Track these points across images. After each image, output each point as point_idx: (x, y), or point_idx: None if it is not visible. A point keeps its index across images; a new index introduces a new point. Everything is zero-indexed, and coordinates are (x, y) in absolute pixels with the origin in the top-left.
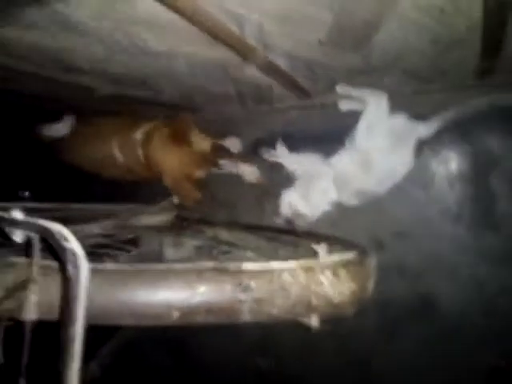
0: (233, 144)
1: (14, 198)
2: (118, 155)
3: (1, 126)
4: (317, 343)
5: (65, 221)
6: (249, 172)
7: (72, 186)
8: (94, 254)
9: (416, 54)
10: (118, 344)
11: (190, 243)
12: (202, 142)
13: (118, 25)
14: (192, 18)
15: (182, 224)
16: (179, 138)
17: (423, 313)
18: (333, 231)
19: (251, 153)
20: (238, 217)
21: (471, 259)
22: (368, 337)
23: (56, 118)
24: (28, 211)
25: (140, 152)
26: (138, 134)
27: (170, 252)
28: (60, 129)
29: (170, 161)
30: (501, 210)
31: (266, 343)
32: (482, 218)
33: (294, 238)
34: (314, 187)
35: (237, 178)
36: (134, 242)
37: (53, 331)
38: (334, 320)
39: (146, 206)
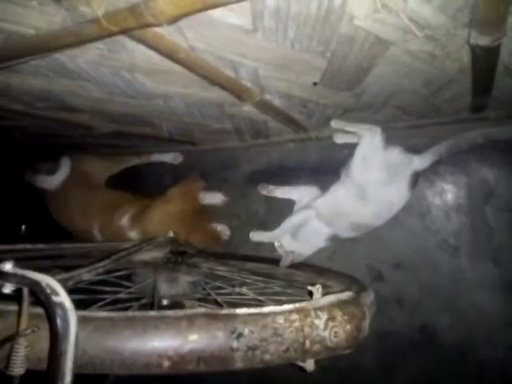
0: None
1: (11, 232)
2: (98, 235)
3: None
4: (315, 379)
5: (61, 259)
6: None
7: None
8: (86, 290)
9: (409, 94)
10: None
11: (184, 279)
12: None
13: (116, 71)
14: (189, 65)
15: (177, 259)
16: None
17: (423, 344)
18: (330, 263)
19: (248, 184)
20: (235, 249)
21: (470, 290)
22: (367, 370)
23: (53, 161)
24: (21, 253)
25: (132, 234)
26: (124, 222)
27: (164, 288)
28: (49, 182)
29: (176, 223)
30: (498, 241)
31: (262, 380)
32: (479, 249)
33: (290, 270)
34: (305, 229)
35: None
36: (127, 278)
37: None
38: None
39: (141, 242)
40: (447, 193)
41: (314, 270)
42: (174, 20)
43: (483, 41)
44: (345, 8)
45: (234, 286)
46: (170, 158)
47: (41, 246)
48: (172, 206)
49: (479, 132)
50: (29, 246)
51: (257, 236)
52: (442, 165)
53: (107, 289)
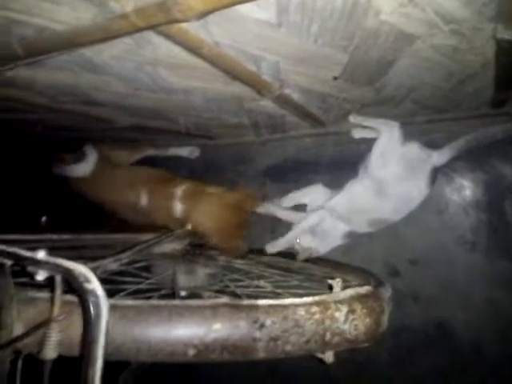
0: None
1: (31, 224)
2: (144, 206)
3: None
4: (332, 371)
5: (84, 249)
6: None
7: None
8: (108, 281)
9: (429, 88)
10: (137, 370)
11: (203, 271)
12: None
13: (140, 65)
14: (212, 60)
15: (196, 251)
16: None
17: (438, 340)
18: (347, 258)
19: (265, 179)
20: (252, 243)
21: (486, 286)
22: (383, 364)
23: (76, 151)
24: (47, 243)
25: (178, 207)
26: (178, 191)
27: (182, 279)
28: (82, 168)
29: (220, 225)
30: None
31: (280, 371)
32: (496, 245)
33: (306, 265)
34: (321, 227)
35: None
36: (147, 269)
37: (72, 366)
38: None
39: (161, 235)
40: (465, 189)
41: (330, 264)
42: (201, 16)
43: (509, 34)
44: (371, 2)
45: (251, 279)
46: (187, 151)
47: (66, 236)
48: (228, 210)
49: (499, 127)
50: (55, 237)
51: (272, 247)
52: (460, 160)
53: (128, 279)
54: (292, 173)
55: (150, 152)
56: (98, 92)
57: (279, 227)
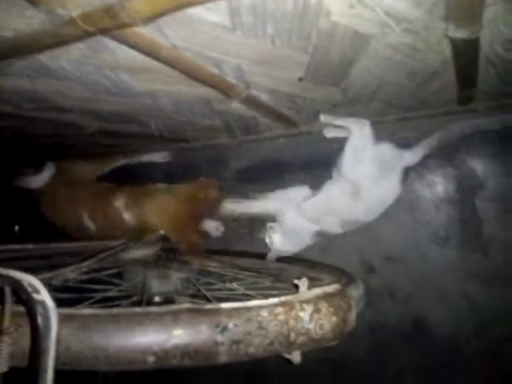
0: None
1: (3, 234)
2: (88, 223)
3: None
4: (308, 370)
5: (52, 258)
6: (212, 227)
7: None
8: (77, 289)
9: (394, 87)
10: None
11: (176, 276)
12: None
13: (99, 69)
14: (171, 63)
15: (168, 256)
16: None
17: (415, 336)
18: (323, 257)
19: (240, 181)
20: (229, 246)
21: (461, 281)
22: (361, 362)
23: (38, 165)
24: (9, 254)
25: (126, 216)
26: (119, 202)
27: (155, 285)
28: (36, 181)
29: (172, 220)
30: (487, 232)
31: (255, 372)
32: (469, 240)
33: (282, 265)
34: (289, 226)
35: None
36: (118, 276)
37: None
38: (325, 347)
39: (132, 241)
40: (436, 185)
41: (305, 264)
42: (150, 20)
43: (461, 33)
44: (321, 4)
45: (224, 282)
46: (159, 157)
47: (30, 246)
48: (179, 203)
49: (467, 123)
50: (18, 247)
51: (229, 206)
52: (430, 157)
53: (97, 287)
54: (268, 173)
55: (120, 162)
56: (61, 97)
57: (257, 229)
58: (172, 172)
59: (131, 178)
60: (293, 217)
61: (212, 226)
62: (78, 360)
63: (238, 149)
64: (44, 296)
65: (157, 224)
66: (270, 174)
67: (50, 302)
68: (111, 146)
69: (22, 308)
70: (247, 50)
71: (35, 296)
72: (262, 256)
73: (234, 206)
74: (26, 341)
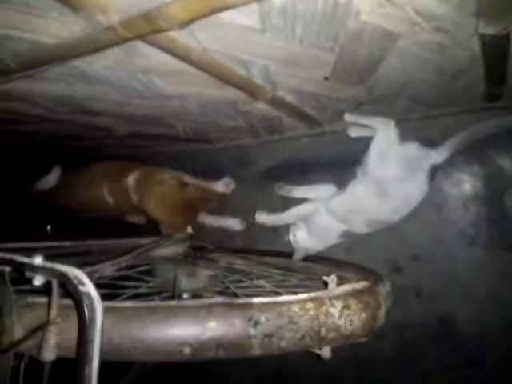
0: (227, 184)
1: (35, 232)
2: (109, 199)
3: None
4: (336, 370)
5: (86, 255)
6: (234, 223)
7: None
8: (110, 285)
9: (421, 84)
10: (135, 375)
11: (204, 273)
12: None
13: (132, 74)
14: (201, 66)
15: (197, 254)
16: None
17: (442, 335)
18: (348, 256)
19: (264, 180)
20: (253, 244)
21: (488, 280)
22: (387, 361)
23: (44, 171)
24: (49, 250)
25: (134, 197)
26: (130, 181)
27: (184, 282)
28: (48, 181)
29: (166, 204)
30: None
31: (283, 371)
32: (497, 239)
33: (307, 264)
34: (317, 224)
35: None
36: (149, 273)
37: (71, 369)
38: (353, 346)
39: (161, 238)
40: (464, 183)
41: (331, 263)
42: (185, 24)
43: (491, 30)
44: (350, 4)
45: (252, 279)
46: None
47: (66, 243)
48: (173, 195)
49: (494, 121)
50: (55, 244)
51: (262, 217)
52: (458, 155)
53: (129, 284)
54: (292, 173)
55: None
56: (94, 101)
57: (281, 227)
58: (196, 172)
59: None
60: (320, 215)
61: (233, 223)
62: (118, 351)
63: (262, 149)
64: (89, 288)
65: (154, 212)
66: (295, 173)
67: (94, 294)
68: (139, 147)
69: (67, 302)
70: (275, 51)
71: (81, 288)
72: (287, 255)
73: (266, 219)
74: (71, 332)
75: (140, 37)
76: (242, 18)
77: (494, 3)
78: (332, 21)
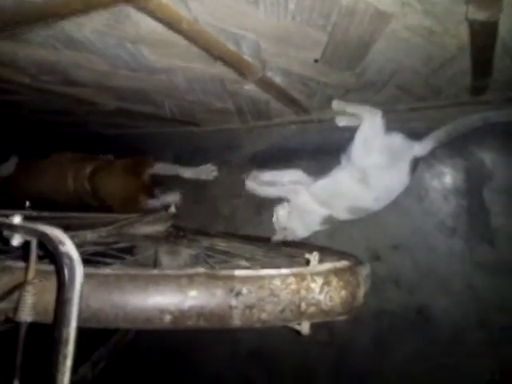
0: (208, 170)
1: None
2: (70, 185)
3: None
4: (313, 354)
5: (63, 228)
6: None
7: None
8: (88, 261)
9: (409, 72)
10: (112, 348)
11: (186, 252)
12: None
13: (121, 42)
14: (191, 37)
15: (179, 233)
16: (133, 171)
17: (419, 324)
18: (329, 243)
19: (249, 165)
20: (237, 229)
21: (466, 271)
22: (364, 347)
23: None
24: (27, 219)
25: (86, 184)
26: (87, 169)
27: (165, 260)
28: (5, 169)
29: (118, 189)
30: (495, 223)
31: (261, 356)
32: (476, 231)
33: (290, 249)
34: (299, 208)
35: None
36: (129, 251)
37: (46, 333)
38: (331, 331)
39: (142, 216)
40: (445, 175)
41: (313, 248)
42: None
43: (480, 15)
44: None
45: (234, 259)
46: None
47: (46, 213)
48: (114, 178)
49: (478, 116)
50: (34, 214)
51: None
52: (440, 148)
53: (109, 260)
54: (277, 159)
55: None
56: (79, 70)
57: (265, 210)
58: (182, 154)
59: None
60: (302, 196)
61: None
62: (98, 317)
63: (249, 134)
64: (69, 248)
65: (107, 196)
66: (280, 160)
67: (74, 254)
68: (124, 127)
69: (45, 266)
70: (267, 25)
71: (61, 247)
72: (267, 240)
73: (254, 187)
74: (48, 295)
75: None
76: None
77: None
78: None
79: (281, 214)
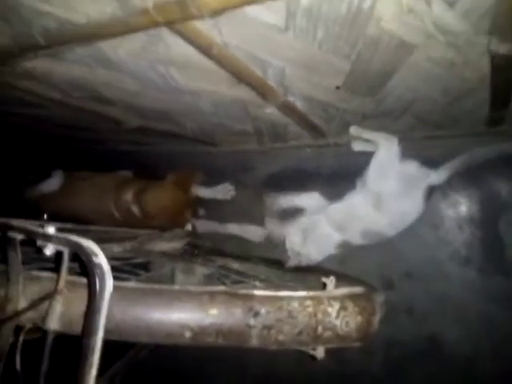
0: (225, 189)
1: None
2: (114, 211)
3: None
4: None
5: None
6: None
7: None
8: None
9: (428, 102)
10: (128, 363)
11: (201, 270)
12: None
13: (153, 63)
14: (220, 61)
15: (194, 252)
16: (182, 186)
17: (430, 354)
18: (342, 269)
19: (265, 187)
20: (249, 251)
21: (480, 302)
22: (375, 377)
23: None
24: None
25: (134, 208)
26: (128, 195)
27: (180, 278)
28: (50, 184)
29: (169, 203)
30: (509, 255)
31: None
32: (490, 261)
33: (304, 272)
34: (314, 233)
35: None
36: (143, 267)
37: (72, 344)
38: (341, 359)
39: (160, 232)
40: (460, 205)
41: (328, 272)
42: (215, 13)
43: (503, 48)
44: (373, 10)
45: (249, 279)
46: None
47: (69, 225)
48: (165, 192)
49: (494, 147)
50: (58, 225)
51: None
52: (455, 177)
53: (126, 276)
54: (291, 182)
55: None
56: (110, 89)
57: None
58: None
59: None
60: (320, 223)
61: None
62: (119, 329)
63: (265, 156)
64: (101, 259)
65: (154, 214)
66: (294, 182)
67: (106, 266)
68: (143, 144)
69: (74, 278)
70: (294, 52)
71: (94, 258)
72: (279, 262)
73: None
74: (77, 307)
75: (169, 23)
76: (268, 14)
77: (508, 21)
78: (353, 26)
79: (294, 240)
